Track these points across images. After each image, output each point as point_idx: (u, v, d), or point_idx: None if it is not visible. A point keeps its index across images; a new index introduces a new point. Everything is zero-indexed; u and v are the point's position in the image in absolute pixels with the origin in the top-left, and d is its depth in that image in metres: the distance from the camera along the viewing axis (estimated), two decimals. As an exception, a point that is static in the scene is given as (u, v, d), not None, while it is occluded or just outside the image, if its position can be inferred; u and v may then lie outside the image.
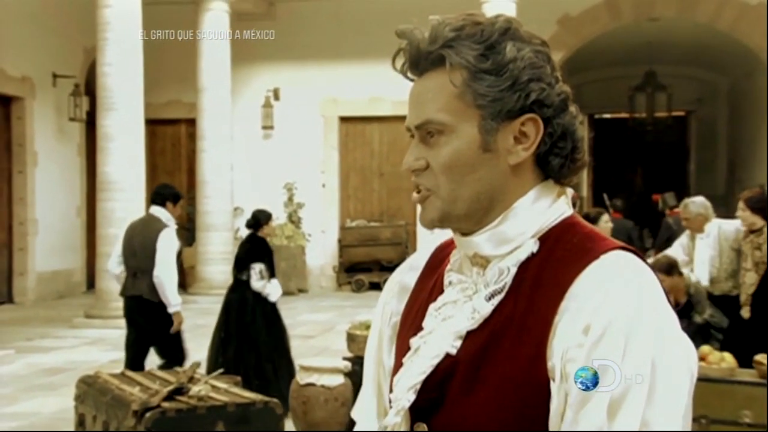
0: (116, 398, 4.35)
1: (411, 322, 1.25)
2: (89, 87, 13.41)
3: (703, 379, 4.01)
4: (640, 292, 1.06)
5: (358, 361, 5.30)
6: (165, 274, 5.98)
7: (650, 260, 5.80)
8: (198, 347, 6.79)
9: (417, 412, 1.17)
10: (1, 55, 12.60)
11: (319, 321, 10.87)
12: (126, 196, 10.26)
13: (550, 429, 1.07)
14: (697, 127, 20.75)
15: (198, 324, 8.54)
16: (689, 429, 1.06)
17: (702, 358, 4.57)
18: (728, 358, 4.69)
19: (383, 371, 1.31)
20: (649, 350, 1.03)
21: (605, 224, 6.93)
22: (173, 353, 6.13)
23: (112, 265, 6.42)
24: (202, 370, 5.72)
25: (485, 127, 1.15)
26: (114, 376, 4.84)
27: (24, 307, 12.85)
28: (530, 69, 1.14)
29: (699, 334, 5.56)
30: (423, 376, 1.16)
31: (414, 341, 1.21)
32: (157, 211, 6.24)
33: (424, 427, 1.16)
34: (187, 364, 5.69)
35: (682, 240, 6.93)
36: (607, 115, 21.18)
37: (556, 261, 1.12)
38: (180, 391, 4.30)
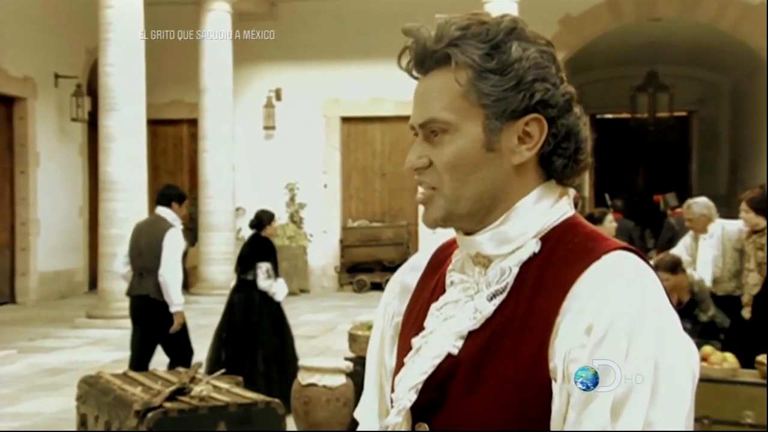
0: (118, 398, 4.35)
1: (413, 322, 1.25)
2: (91, 87, 13.42)
3: (705, 380, 4.00)
4: (641, 292, 1.06)
5: (359, 362, 5.30)
6: (170, 274, 6.06)
7: (653, 260, 5.81)
8: (200, 347, 6.79)
9: (418, 412, 1.17)
10: (3, 55, 12.61)
11: (320, 321, 10.86)
12: (128, 197, 10.27)
13: (552, 429, 1.07)
14: (699, 127, 20.73)
15: (200, 324, 8.53)
16: (692, 429, 1.06)
17: (704, 359, 4.57)
18: (730, 359, 4.69)
19: (385, 371, 1.31)
20: (651, 350, 1.03)
21: (610, 224, 6.94)
22: (181, 352, 6.16)
23: (119, 265, 6.52)
24: (202, 370, 5.72)
25: (489, 127, 1.15)
26: (116, 376, 4.84)
27: (26, 307, 12.86)
28: (535, 69, 1.14)
29: (704, 333, 5.56)
30: (424, 376, 1.16)
31: (416, 341, 1.21)
32: (162, 211, 6.31)
33: (426, 427, 1.16)
34: (193, 362, 5.72)
35: (686, 240, 6.93)
36: (609, 116, 21.17)
37: (558, 261, 1.12)
38: (182, 391, 4.30)
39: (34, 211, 13.37)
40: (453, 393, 1.14)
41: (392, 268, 12.63)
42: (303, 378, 5.34)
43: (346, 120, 15.05)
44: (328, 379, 5.24)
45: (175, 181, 12.56)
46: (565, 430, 1.05)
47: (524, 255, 1.15)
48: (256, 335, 6.50)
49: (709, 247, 6.56)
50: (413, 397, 1.17)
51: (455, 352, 1.15)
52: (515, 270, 1.14)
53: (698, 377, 1.09)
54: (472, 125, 1.15)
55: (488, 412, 1.10)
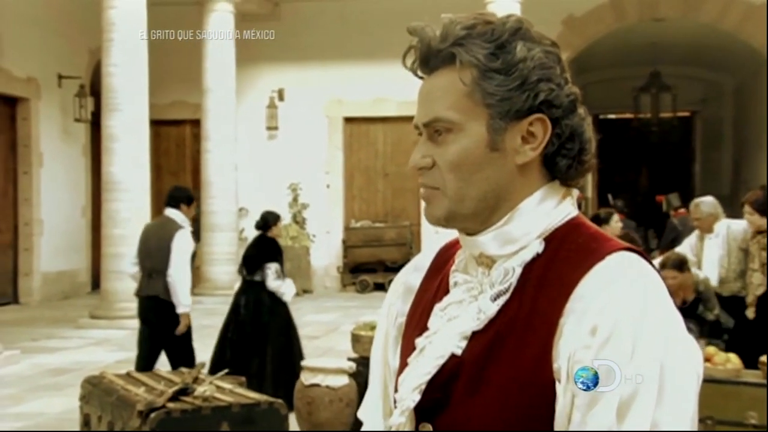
0: (121, 399, 4.36)
1: (416, 323, 1.25)
2: (94, 88, 13.44)
3: (708, 380, 4.00)
4: (645, 293, 1.06)
5: (362, 362, 5.31)
6: (179, 275, 6.11)
7: (659, 259, 5.80)
8: (203, 347, 6.79)
9: (422, 412, 1.17)
10: (7, 56, 12.63)
11: (323, 321, 10.86)
12: (131, 197, 10.29)
13: (556, 430, 1.06)
14: (702, 127, 20.72)
15: (203, 324, 8.53)
16: (697, 430, 1.06)
17: (707, 359, 4.56)
18: (734, 359, 4.69)
19: (389, 372, 1.31)
20: (656, 351, 1.03)
21: (616, 224, 6.97)
22: (183, 356, 6.17)
23: (127, 265, 6.62)
24: (206, 370, 5.72)
25: (493, 126, 1.15)
26: (119, 376, 4.85)
27: (29, 307, 12.87)
28: (540, 69, 1.14)
29: (711, 332, 5.55)
30: (428, 377, 1.16)
31: (419, 341, 1.21)
32: (172, 213, 6.36)
33: (429, 427, 1.16)
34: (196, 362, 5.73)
35: (691, 240, 6.92)
36: (612, 116, 21.16)
37: (561, 262, 1.12)
38: (185, 391, 4.30)
39: (37, 212, 13.38)
40: (456, 393, 1.13)
41: (395, 269, 12.63)
42: (306, 378, 5.34)
43: (348, 120, 15.06)
44: (331, 379, 5.24)
45: (178, 182, 12.56)
46: (571, 430, 1.05)
47: (528, 255, 1.15)
48: (265, 336, 6.53)
49: (715, 247, 6.56)
50: (417, 397, 1.17)
51: (459, 352, 1.15)
52: (519, 270, 1.14)
53: (702, 378, 1.09)
54: (476, 125, 1.15)
55: (491, 413, 1.10)
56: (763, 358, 4.59)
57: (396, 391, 1.23)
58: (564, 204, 1.19)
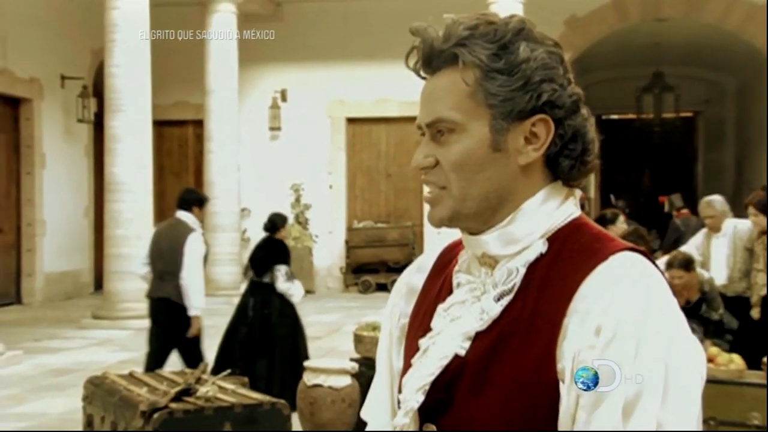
0: (124, 399, 4.36)
1: (419, 323, 1.25)
2: (97, 88, 13.45)
3: (711, 381, 3.99)
4: (648, 293, 1.06)
5: (365, 362, 5.31)
6: (191, 278, 6.14)
7: (663, 259, 5.78)
8: (206, 348, 6.79)
9: (426, 412, 1.17)
10: (10, 56, 12.64)
11: (326, 322, 10.86)
12: (133, 197, 10.29)
13: (559, 430, 1.06)
14: (704, 127, 20.71)
15: (206, 324, 8.51)
16: (701, 430, 1.06)
17: (710, 360, 4.56)
18: (737, 360, 4.68)
19: (392, 372, 1.31)
20: (659, 351, 1.03)
21: (621, 225, 6.97)
22: (194, 358, 6.18)
23: (138, 266, 6.65)
24: (210, 370, 5.72)
25: (496, 127, 1.15)
26: (122, 376, 4.85)
27: (32, 307, 12.89)
28: (543, 70, 1.14)
29: (715, 332, 5.54)
30: (432, 377, 1.16)
31: (423, 342, 1.21)
32: (183, 215, 6.38)
33: (433, 427, 1.16)
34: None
35: (697, 239, 6.90)
36: (615, 116, 21.15)
37: (565, 262, 1.12)
38: (187, 391, 4.31)
39: (39, 212, 13.40)
40: (460, 394, 1.13)
41: (397, 269, 12.64)
42: (308, 379, 5.33)
43: (351, 121, 15.06)
44: (333, 380, 5.24)
45: (180, 182, 12.60)
46: (575, 430, 1.05)
47: (531, 256, 1.15)
48: (273, 338, 6.53)
49: (722, 246, 6.55)
50: (421, 398, 1.17)
51: (462, 353, 1.15)
52: (522, 271, 1.14)
53: (705, 378, 1.09)
54: (478, 125, 1.15)
55: (495, 413, 1.10)
56: (766, 359, 4.58)
57: (400, 391, 1.23)
58: (567, 204, 1.18)
